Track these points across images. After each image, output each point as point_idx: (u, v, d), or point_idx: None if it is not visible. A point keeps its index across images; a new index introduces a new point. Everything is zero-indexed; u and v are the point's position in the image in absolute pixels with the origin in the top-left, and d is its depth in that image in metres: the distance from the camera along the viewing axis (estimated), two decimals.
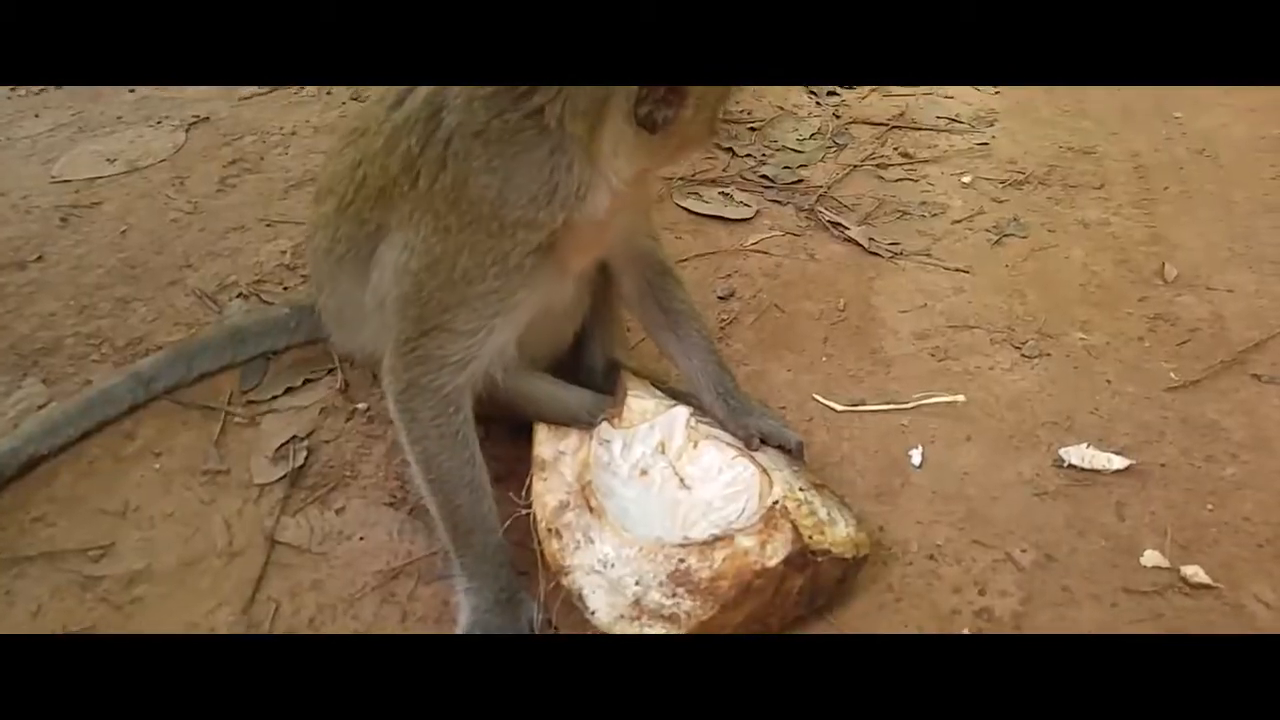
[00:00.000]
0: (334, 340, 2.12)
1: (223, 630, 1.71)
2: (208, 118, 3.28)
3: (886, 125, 3.55)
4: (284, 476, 2.01)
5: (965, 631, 1.73)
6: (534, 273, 1.70)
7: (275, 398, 2.21)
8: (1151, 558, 1.83)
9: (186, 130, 3.20)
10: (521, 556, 1.78)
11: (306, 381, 2.25)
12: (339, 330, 2.06)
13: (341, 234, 1.85)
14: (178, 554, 1.85)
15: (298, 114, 3.36)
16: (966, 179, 3.19)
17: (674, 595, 1.62)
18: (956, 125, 3.55)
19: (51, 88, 3.43)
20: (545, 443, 1.85)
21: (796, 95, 3.73)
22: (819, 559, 1.67)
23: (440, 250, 1.66)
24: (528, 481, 1.77)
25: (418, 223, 1.68)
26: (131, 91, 3.41)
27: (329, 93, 3.51)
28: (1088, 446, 2.06)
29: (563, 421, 1.89)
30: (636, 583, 1.63)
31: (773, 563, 1.62)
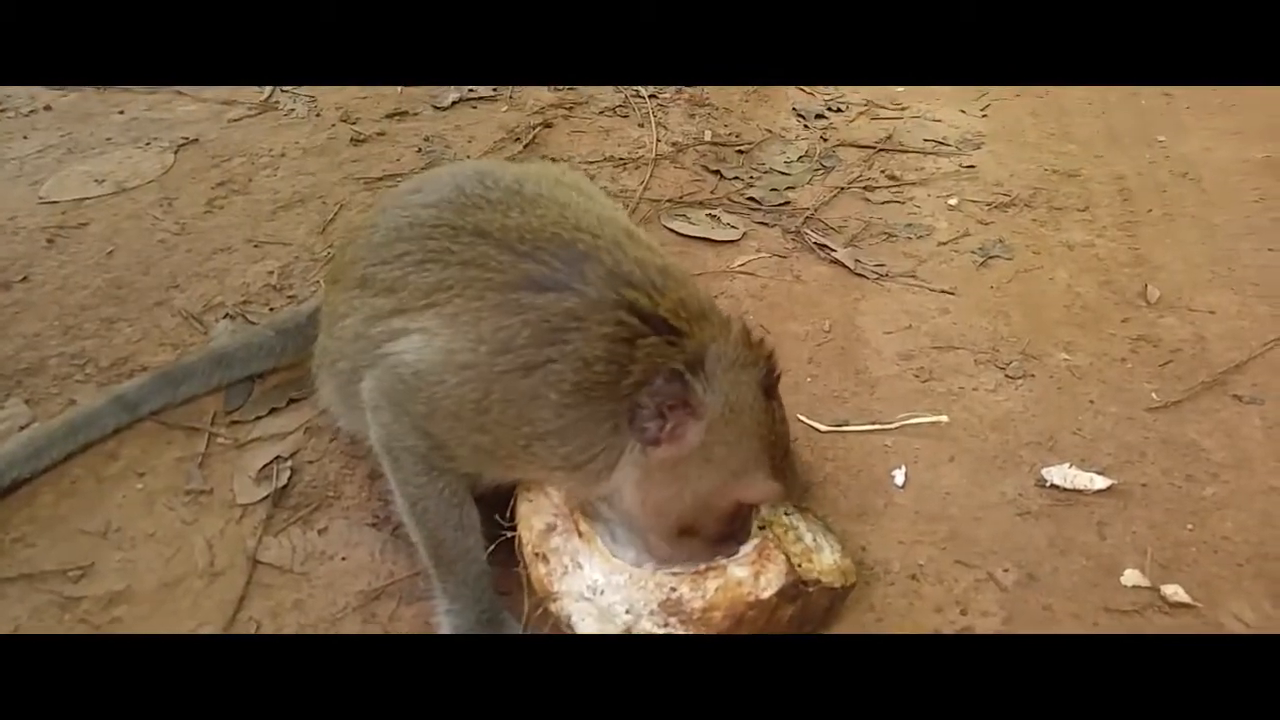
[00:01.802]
0: (337, 416, 2.02)
1: None
2: (196, 139, 3.30)
3: (874, 148, 3.59)
4: (267, 497, 2.00)
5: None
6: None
7: (259, 418, 2.21)
8: (1132, 577, 1.84)
9: (175, 151, 3.21)
10: (504, 578, 1.78)
11: (291, 402, 2.25)
12: (345, 408, 1.94)
13: (384, 323, 1.76)
14: (158, 574, 1.84)
15: (286, 135, 3.38)
16: (953, 201, 3.22)
17: (665, 625, 1.61)
18: (943, 148, 3.59)
19: (41, 110, 3.45)
20: None
21: (784, 118, 3.78)
22: (810, 589, 1.67)
23: (469, 417, 1.64)
24: (512, 503, 1.77)
25: (467, 373, 1.64)
26: (120, 113, 3.43)
27: (318, 114, 3.54)
28: (1070, 466, 2.07)
29: None
30: (627, 611, 1.62)
31: (766, 594, 1.62)
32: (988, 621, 1.78)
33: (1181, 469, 2.09)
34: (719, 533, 1.70)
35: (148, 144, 3.24)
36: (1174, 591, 1.79)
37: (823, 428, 2.24)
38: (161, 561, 1.87)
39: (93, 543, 1.90)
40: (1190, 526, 1.95)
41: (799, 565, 1.65)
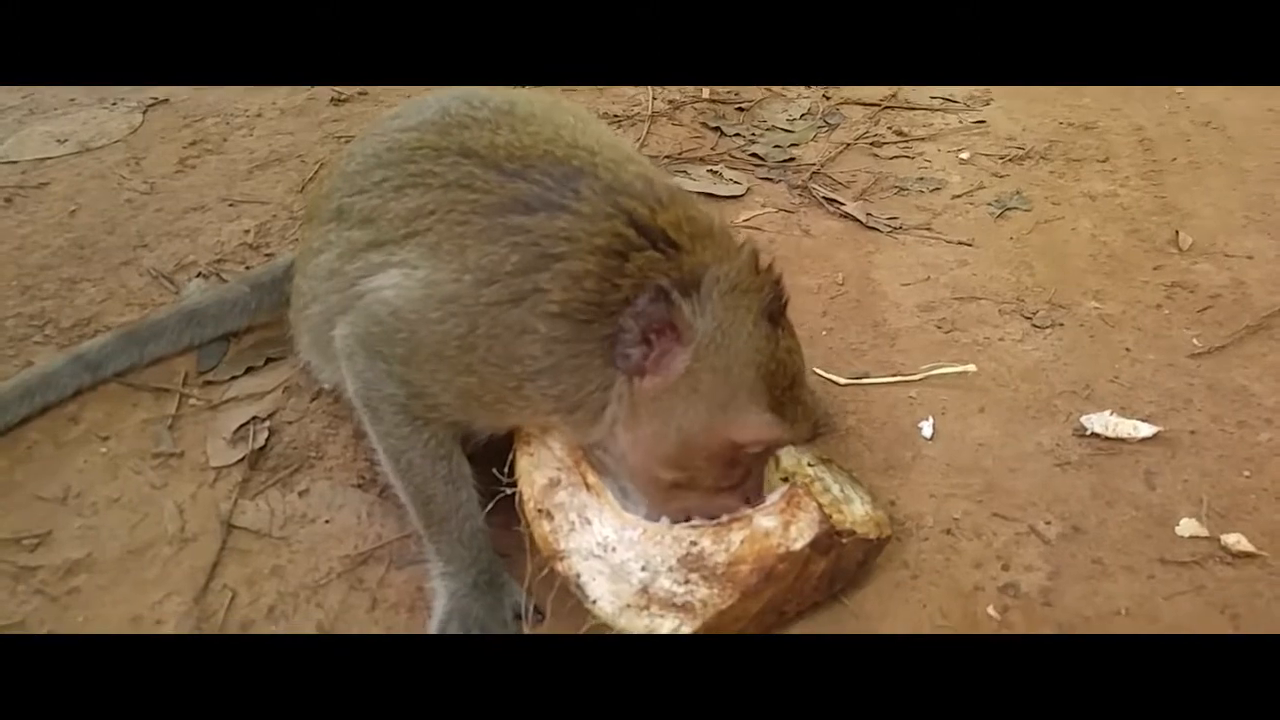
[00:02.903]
0: (312, 364, 1.85)
1: (170, 622, 1.54)
2: (167, 100, 3.12)
3: (878, 106, 3.44)
4: (243, 459, 1.84)
5: (990, 609, 1.57)
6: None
7: (235, 378, 2.05)
8: (1189, 527, 1.69)
9: (144, 112, 3.04)
10: (503, 538, 1.62)
11: (269, 361, 2.08)
12: (320, 356, 1.78)
13: (362, 259, 1.61)
14: (122, 541, 1.67)
15: (263, 96, 3.21)
16: (964, 155, 3.07)
17: (687, 582, 1.44)
18: (951, 104, 3.44)
19: None
20: None
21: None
22: (844, 541, 1.51)
23: (455, 356, 1.49)
24: (510, 457, 1.60)
25: (451, 306, 1.48)
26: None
27: None
28: (1111, 414, 1.93)
29: None
30: (643, 568, 1.46)
31: (798, 545, 1.45)
32: (1032, 576, 1.63)
33: (1232, 415, 1.94)
34: (716, 484, 1.50)
35: (114, 104, 3.07)
36: (1236, 540, 1.64)
37: (842, 380, 2.09)
38: (126, 528, 1.70)
39: (50, 509, 1.73)
40: (1247, 473, 1.80)
41: (830, 517, 1.50)
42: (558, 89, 3.36)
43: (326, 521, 1.73)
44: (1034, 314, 2.30)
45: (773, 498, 1.52)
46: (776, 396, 1.45)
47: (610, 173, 1.51)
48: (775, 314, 1.49)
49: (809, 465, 1.69)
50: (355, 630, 1.55)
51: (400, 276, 1.54)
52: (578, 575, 1.46)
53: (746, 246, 1.53)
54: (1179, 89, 3.45)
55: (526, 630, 1.55)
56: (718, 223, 1.56)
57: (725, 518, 1.49)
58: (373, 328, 1.55)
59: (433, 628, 1.54)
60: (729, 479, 1.51)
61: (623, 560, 1.47)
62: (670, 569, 1.45)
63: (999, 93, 3.49)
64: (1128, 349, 2.17)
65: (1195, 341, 2.16)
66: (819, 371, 2.11)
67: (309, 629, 1.54)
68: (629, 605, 1.43)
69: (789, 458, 1.67)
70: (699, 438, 1.45)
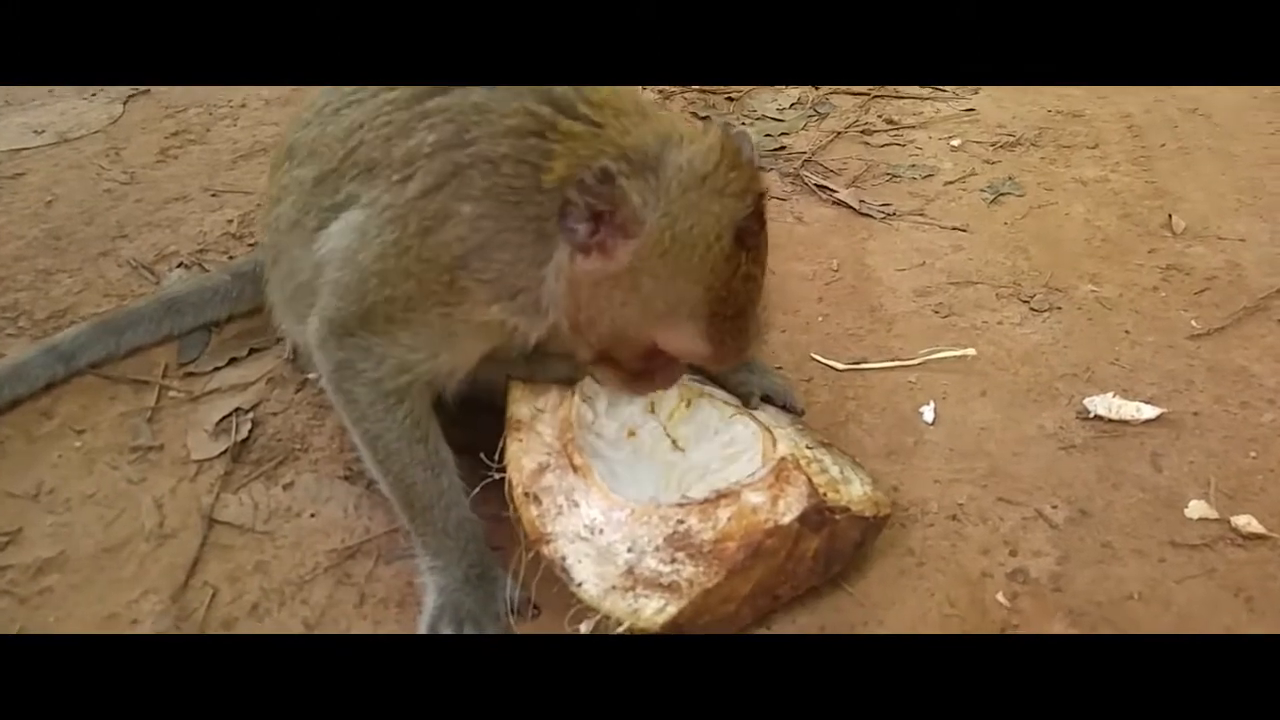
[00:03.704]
0: (284, 327, 1.82)
1: (147, 621, 1.47)
2: (148, 90, 3.05)
3: (868, 94, 3.41)
4: (225, 451, 1.78)
5: (999, 595, 1.54)
6: (481, 332, 1.47)
7: (218, 369, 1.98)
8: (1197, 508, 1.66)
9: (124, 103, 2.96)
10: (495, 530, 1.57)
11: (252, 351, 2.02)
12: (291, 316, 1.74)
13: (314, 204, 1.56)
14: (97, 539, 1.61)
15: (248, 87, 3.14)
16: (956, 142, 3.04)
17: (673, 561, 1.40)
18: (940, 93, 3.41)
19: None
20: (521, 401, 1.62)
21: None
22: (837, 517, 1.47)
23: (393, 264, 1.42)
24: (501, 444, 1.55)
25: (382, 219, 1.43)
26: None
27: None
28: (1114, 396, 1.90)
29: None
30: (629, 549, 1.42)
31: (786, 520, 1.42)
32: (1041, 562, 1.59)
33: (1235, 395, 1.92)
34: (635, 369, 1.46)
35: (93, 95, 2.99)
36: (1246, 522, 1.61)
37: (840, 366, 2.05)
38: (101, 525, 1.64)
39: (21, 506, 1.66)
40: (1253, 454, 1.78)
41: (825, 495, 1.46)
42: None
43: (312, 515, 1.67)
44: (1031, 298, 2.27)
45: (761, 472, 1.48)
46: (717, 325, 1.35)
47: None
48: (746, 232, 1.33)
49: (808, 448, 1.65)
50: (342, 627, 1.49)
51: (343, 224, 1.49)
52: (563, 558, 1.42)
53: (714, 130, 1.37)
54: None
55: (521, 624, 1.50)
56: (667, 115, 1.44)
57: (713, 494, 1.45)
58: (336, 302, 1.49)
59: (423, 625, 1.49)
60: (648, 366, 1.47)
61: (609, 542, 1.42)
62: (657, 548, 1.41)
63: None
64: (1127, 331, 2.14)
65: (1194, 323, 2.14)
66: (817, 357, 2.08)
67: (294, 626, 1.49)
68: (614, 587, 1.39)
69: (786, 442, 1.63)
70: (627, 331, 1.39)
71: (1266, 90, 3.26)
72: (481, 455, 1.51)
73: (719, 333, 1.36)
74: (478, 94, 1.40)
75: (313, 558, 1.59)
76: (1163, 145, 2.96)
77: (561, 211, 1.32)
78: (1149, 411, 1.86)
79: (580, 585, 1.39)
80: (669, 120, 1.42)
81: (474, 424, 1.66)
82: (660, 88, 3.32)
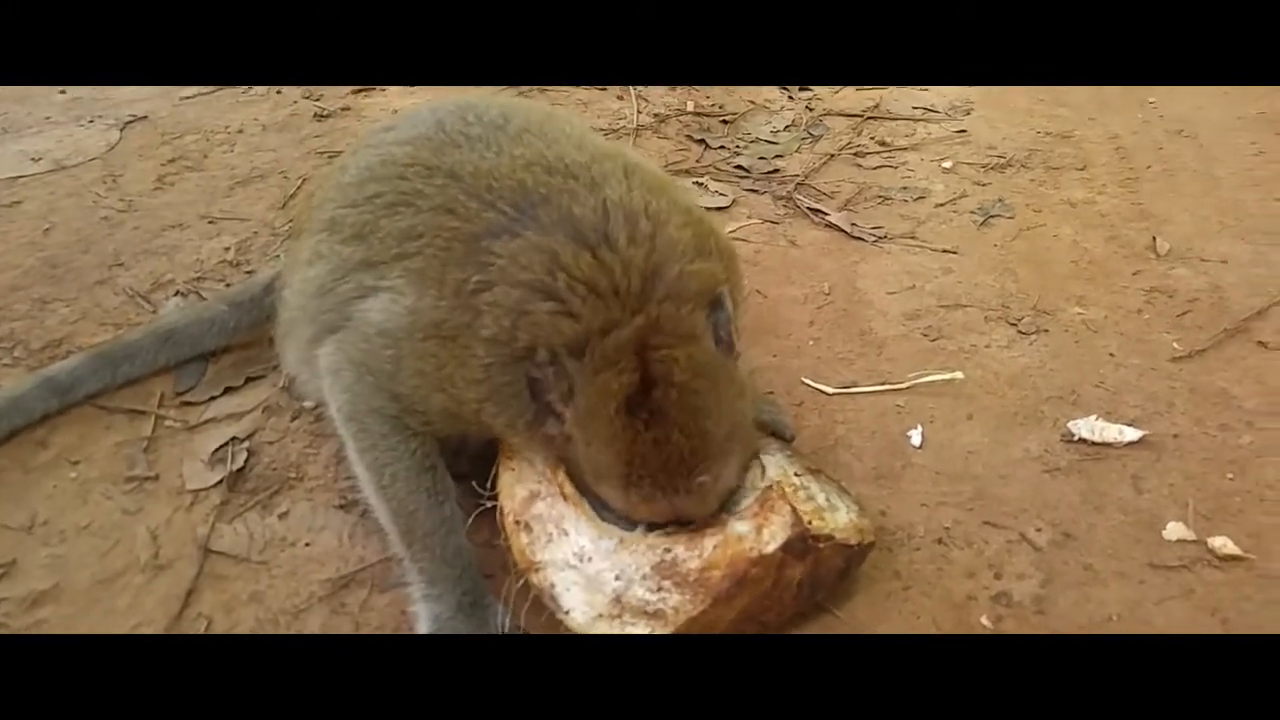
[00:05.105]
0: (299, 382, 1.84)
1: None
2: (145, 116, 3.08)
3: (861, 117, 3.45)
4: (220, 481, 1.80)
5: (983, 618, 1.56)
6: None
7: (214, 398, 2.01)
8: (1175, 530, 1.68)
9: (121, 129, 3.00)
10: (488, 558, 1.59)
11: (249, 380, 2.05)
12: (313, 379, 1.73)
13: (357, 279, 1.60)
14: (92, 570, 1.63)
15: (245, 112, 3.18)
16: (947, 164, 3.08)
17: (659, 589, 1.42)
18: (932, 114, 3.46)
19: None
20: None
21: (768, 90, 3.63)
22: (820, 545, 1.49)
23: (432, 357, 1.49)
24: (493, 472, 1.58)
25: (428, 329, 1.49)
26: (62, 92, 3.21)
27: (279, 91, 3.34)
28: (1097, 419, 1.92)
29: None
30: (616, 578, 1.43)
31: (770, 549, 1.44)
32: (1025, 585, 1.62)
33: (1214, 418, 1.94)
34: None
35: (91, 122, 3.02)
36: (1222, 543, 1.63)
37: (830, 390, 2.07)
38: (96, 556, 1.66)
39: (16, 539, 1.68)
40: (1231, 476, 1.80)
41: (809, 523, 1.48)
42: (546, 94, 3.36)
43: (307, 544, 1.69)
44: (1019, 320, 2.30)
45: (746, 502, 1.50)
46: (636, 487, 1.42)
47: (572, 198, 1.49)
48: (632, 404, 1.38)
49: (795, 475, 1.67)
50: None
51: (388, 301, 1.53)
52: (552, 586, 1.44)
53: (638, 318, 1.41)
54: (1151, 98, 3.49)
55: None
56: (675, 270, 1.46)
57: (701, 524, 1.47)
58: (361, 344, 1.54)
59: None
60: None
61: (598, 570, 1.44)
62: (644, 577, 1.43)
63: (979, 102, 3.51)
64: (1111, 354, 2.17)
65: (1175, 345, 2.17)
66: (807, 381, 2.10)
67: None
68: (601, 615, 1.41)
69: (775, 469, 1.65)
70: (585, 480, 1.49)
71: (1251, 111, 3.32)
72: (474, 485, 1.54)
73: (639, 495, 1.43)
74: (514, 244, 1.46)
75: (307, 587, 1.61)
76: (1149, 167, 3.01)
77: (530, 385, 1.43)
78: (1131, 434, 1.89)
79: (568, 613, 1.41)
80: (649, 293, 1.45)
81: (467, 451, 1.69)
82: (657, 112, 3.37)
